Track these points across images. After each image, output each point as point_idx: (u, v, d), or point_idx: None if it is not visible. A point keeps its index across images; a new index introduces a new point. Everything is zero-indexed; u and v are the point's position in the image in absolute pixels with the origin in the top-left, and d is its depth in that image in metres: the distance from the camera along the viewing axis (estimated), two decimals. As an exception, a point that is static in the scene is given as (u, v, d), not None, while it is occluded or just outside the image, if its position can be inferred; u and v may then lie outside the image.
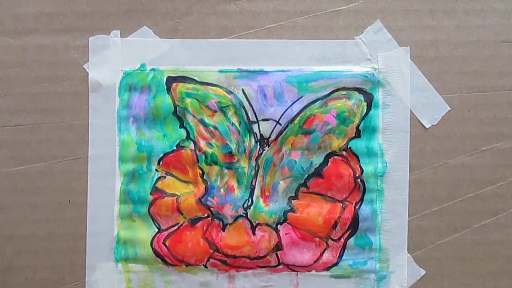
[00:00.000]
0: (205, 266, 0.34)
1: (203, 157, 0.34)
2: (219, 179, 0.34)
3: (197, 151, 0.34)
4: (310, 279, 0.34)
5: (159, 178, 0.34)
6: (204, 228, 0.34)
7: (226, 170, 0.34)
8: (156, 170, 0.34)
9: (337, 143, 0.34)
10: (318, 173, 0.34)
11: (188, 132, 0.34)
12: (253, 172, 0.34)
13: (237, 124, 0.34)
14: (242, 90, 0.34)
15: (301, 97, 0.34)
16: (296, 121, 0.34)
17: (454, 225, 0.34)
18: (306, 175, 0.34)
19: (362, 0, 0.35)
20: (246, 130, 0.34)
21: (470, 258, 0.35)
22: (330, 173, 0.34)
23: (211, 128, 0.34)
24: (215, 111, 0.34)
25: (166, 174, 0.35)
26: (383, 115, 0.34)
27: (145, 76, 0.34)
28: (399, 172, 0.34)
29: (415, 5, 0.35)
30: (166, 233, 0.34)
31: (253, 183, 0.34)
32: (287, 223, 0.34)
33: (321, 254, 0.34)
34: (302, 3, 0.35)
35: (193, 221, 0.34)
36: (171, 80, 0.34)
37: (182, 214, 0.34)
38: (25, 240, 0.35)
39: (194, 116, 0.34)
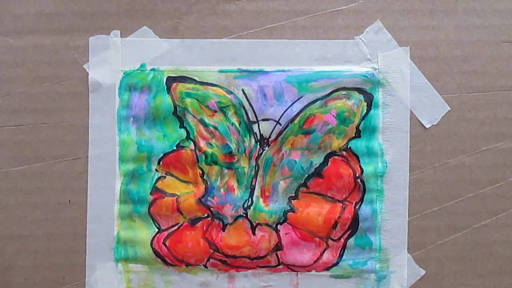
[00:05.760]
0: (205, 266, 0.34)
1: (203, 157, 0.34)
2: (219, 179, 0.34)
3: (197, 151, 0.34)
4: (310, 279, 0.34)
5: (159, 178, 0.34)
6: (204, 228, 0.34)
7: (226, 170, 0.34)
8: (156, 170, 0.34)
9: (337, 143, 0.34)
10: (318, 173, 0.34)
11: (188, 132, 0.34)
12: (253, 172, 0.34)
13: (237, 124, 0.34)
14: (242, 90, 0.34)
15: (301, 97, 0.34)
16: (296, 121, 0.34)
17: (454, 225, 0.34)
18: (306, 175, 0.34)
19: (362, 0, 0.35)
20: (246, 130, 0.34)
21: (470, 258, 0.35)
22: (330, 173, 0.34)
23: (211, 128, 0.34)
24: (215, 111, 0.34)
25: (166, 174, 0.35)
26: (383, 115, 0.34)
27: (145, 76, 0.34)
28: (399, 172, 0.34)
29: (415, 5, 0.35)
30: (166, 233, 0.34)
31: (253, 183, 0.34)
32: (287, 223, 0.34)
33: (321, 254, 0.34)
34: (302, 3, 0.35)
35: (193, 221, 0.34)
36: (171, 80, 0.34)
37: (182, 214, 0.34)
38: (25, 240, 0.35)
39: (194, 116, 0.34)
